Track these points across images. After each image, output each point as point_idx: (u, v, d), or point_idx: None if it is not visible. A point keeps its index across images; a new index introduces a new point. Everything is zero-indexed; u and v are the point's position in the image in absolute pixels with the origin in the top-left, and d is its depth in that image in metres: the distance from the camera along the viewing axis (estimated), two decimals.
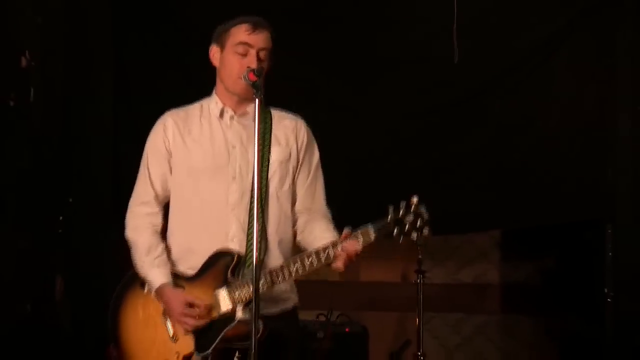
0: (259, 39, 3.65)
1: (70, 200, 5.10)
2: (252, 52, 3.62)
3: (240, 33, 3.65)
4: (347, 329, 6.11)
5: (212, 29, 3.79)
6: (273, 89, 3.65)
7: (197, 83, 3.99)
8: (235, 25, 3.68)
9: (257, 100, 3.36)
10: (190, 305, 3.58)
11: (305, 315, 6.00)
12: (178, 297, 3.62)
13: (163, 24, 5.51)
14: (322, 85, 5.56)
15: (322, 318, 6.19)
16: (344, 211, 3.87)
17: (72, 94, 5.10)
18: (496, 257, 7.27)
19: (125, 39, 5.48)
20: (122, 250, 3.89)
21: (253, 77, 3.43)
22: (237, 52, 3.64)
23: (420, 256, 6.04)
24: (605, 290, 5.63)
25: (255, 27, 3.65)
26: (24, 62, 4.72)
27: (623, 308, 5.52)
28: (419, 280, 5.98)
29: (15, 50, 4.70)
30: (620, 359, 5.49)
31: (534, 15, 5.58)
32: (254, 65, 3.57)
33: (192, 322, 3.58)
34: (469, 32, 5.44)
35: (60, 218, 5.03)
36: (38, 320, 4.79)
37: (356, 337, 6.07)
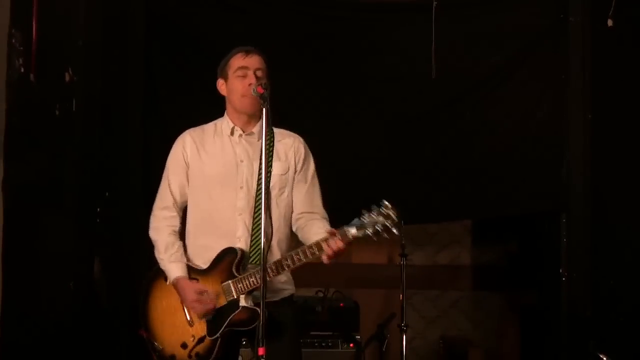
0: (253, 61, 3.75)
1: (107, 194, 5.13)
2: (250, 72, 3.72)
3: (237, 60, 3.76)
4: (341, 304, 6.11)
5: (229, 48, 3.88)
6: (283, 107, 3.74)
7: (212, 88, 4.03)
8: (232, 56, 3.79)
9: (264, 109, 3.42)
10: (200, 293, 3.68)
11: (306, 292, 6.03)
12: (191, 287, 3.71)
13: (189, 48, 5.50)
14: (320, 102, 5.55)
15: (320, 294, 6.22)
16: (335, 205, 3.95)
17: (108, 105, 5.12)
18: (468, 243, 7.26)
19: (157, 58, 5.48)
20: (149, 237, 3.96)
21: (261, 90, 3.48)
22: (238, 75, 3.74)
23: (403, 242, 6.08)
24: (560, 270, 5.66)
25: (248, 53, 3.77)
26: (67, 77, 4.74)
27: (575, 285, 5.59)
28: (402, 262, 5.99)
29: (60, 68, 4.72)
30: (572, 329, 5.56)
31: (497, 39, 5.61)
32: (253, 81, 3.66)
33: (202, 307, 3.68)
34: (442, 54, 5.47)
35: (99, 209, 5.06)
36: (80, 295, 4.83)
37: (349, 310, 6.06)
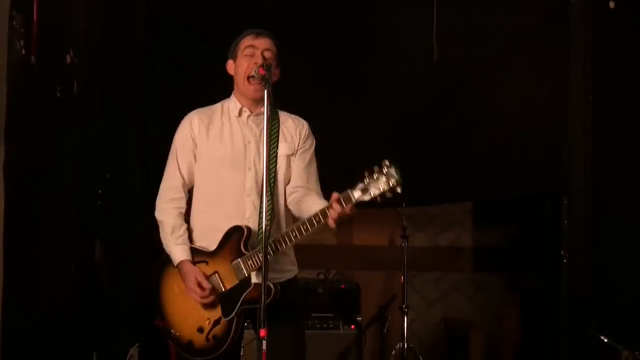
0: (262, 42, 3.74)
1: (108, 176, 5.12)
2: (257, 52, 3.71)
3: (247, 40, 3.77)
4: (342, 286, 6.14)
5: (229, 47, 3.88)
6: (288, 103, 3.75)
7: (213, 86, 4.03)
8: (242, 37, 3.80)
9: (265, 91, 3.40)
10: (199, 285, 3.65)
11: (307, 274, 6.06)
12: (193, 272, 3.69)
13: (189, 48, 5.53)
14: (325, 95, 5.56)
15: (321, 276, 6.24)
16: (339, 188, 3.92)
17: (109, 87, 5.11)
18: (469, 224, 7.28)
19: (157, 58, 5.52)
20: (150, 218, 3.95)
21: (262, 72, 3.47)
22: (245, 54, 3.73)
23: (404, 224, 6.09)
24: (561, 252, 5.64)
25: (258, 34, 3.77)
26: (68, 59, 4.71)
27: (575, 267, 5.58)
28: (403, 244, 6.02)
29: (62, 50, 4.69)
30: (572, 310, 5.53)
31: (496, 24, 5.58)
32: (259, 61, 3.64)
33: (198, 295, 3.66)
34: (442, 38, 5.42)
35: (100, 192, 5.05)
36: (81, 278, 4.83)
37: (350, 292, 6.10)
